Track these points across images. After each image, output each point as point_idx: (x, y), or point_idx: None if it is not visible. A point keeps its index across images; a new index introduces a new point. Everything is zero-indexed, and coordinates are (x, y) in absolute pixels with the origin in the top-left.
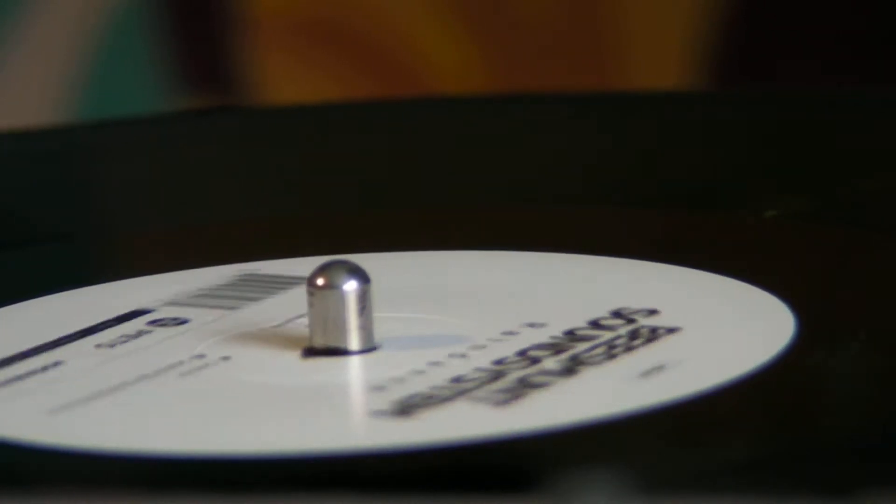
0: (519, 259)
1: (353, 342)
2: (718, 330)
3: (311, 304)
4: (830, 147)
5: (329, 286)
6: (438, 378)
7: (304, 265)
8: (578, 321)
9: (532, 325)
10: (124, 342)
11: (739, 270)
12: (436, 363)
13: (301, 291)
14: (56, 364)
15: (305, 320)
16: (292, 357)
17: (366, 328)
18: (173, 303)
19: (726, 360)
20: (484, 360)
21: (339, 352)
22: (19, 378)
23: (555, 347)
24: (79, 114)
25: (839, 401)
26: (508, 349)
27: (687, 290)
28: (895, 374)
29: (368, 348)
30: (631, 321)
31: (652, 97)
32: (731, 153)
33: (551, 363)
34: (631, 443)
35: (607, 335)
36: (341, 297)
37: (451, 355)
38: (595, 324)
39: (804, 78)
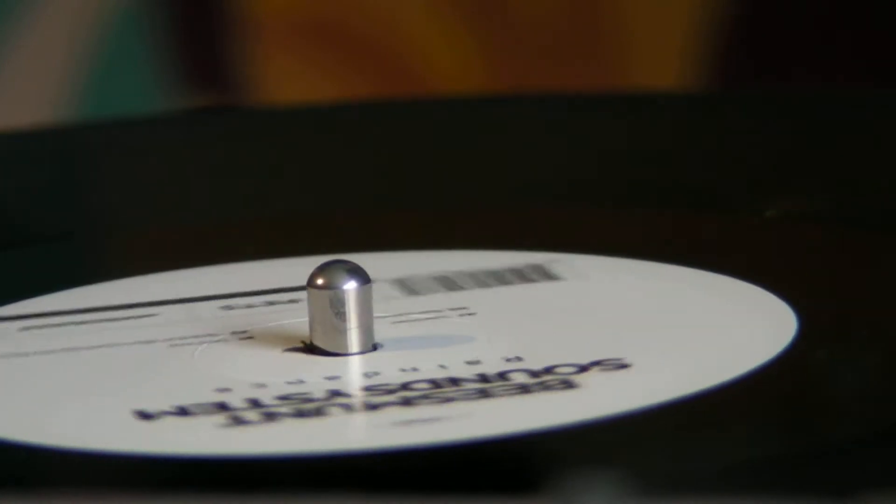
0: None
1: (353, 342)
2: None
3: (310, 304)
4: (830, 147)
5: (329, 286)
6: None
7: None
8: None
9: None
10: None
11: (741, 270)
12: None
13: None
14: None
15: (306, 320)
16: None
17: (365, 328)
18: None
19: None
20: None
21: (339, 352)
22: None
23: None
24: (79, 114)
25: (841, 400)
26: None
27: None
28: (895, 374)
29: (368, 348)
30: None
31: (652, 97)
32: (732, 153)
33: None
34: (631, 443)
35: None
36: (341, 296)
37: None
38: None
39: (805, 78)
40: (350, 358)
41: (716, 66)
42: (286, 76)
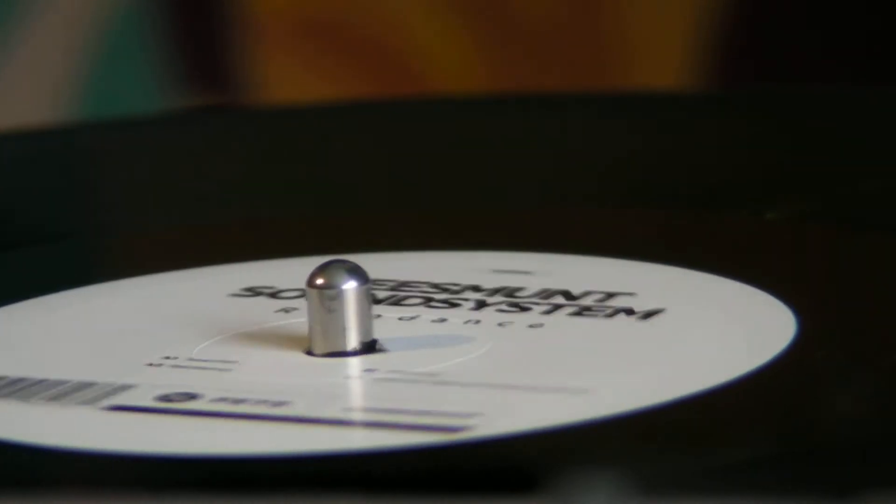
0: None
1: (353, 342)
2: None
3: (310, 304)
4: (830, 147)
5: (328, 286)
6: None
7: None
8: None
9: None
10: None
11: (740, 271)
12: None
13: None
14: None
15: (305, 320)
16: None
17: (365, 328)
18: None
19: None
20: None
21: (339, 352)
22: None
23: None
24: (79, 114)
25: (839, 401)
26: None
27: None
28: (895, 375)
29: (368, 348)
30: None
31: (653, 97)
32: (731, 153)
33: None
34: (631, 443)
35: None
36: (340, 296)
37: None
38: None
39: (805, 78)
40: (349, 358)
41: (716, 66)
42: (286, 76)
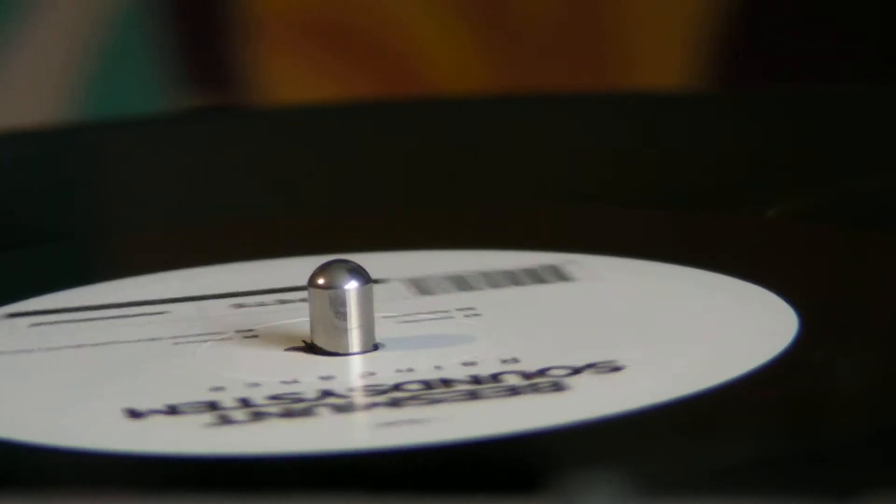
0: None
1: (354, 342)
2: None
3: (311, 304)
4: (830, 147)
5: (330, 286)
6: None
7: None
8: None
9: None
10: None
11: (741, 269)
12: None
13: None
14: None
15: (306, 320)
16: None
17: (366, 328)
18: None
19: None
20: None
21: (340, 352)
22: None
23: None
24: (80, 114)
25: (841, 400)
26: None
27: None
28: (895, 373)
29: (369, 348)
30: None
31: (653, 97)
32: (732, 153)
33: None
34: (632, 442)
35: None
36: (342, 296)
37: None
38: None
39: (804, 78)
40: (349, 358)
41: (716, 66)
42: (287, 76)
